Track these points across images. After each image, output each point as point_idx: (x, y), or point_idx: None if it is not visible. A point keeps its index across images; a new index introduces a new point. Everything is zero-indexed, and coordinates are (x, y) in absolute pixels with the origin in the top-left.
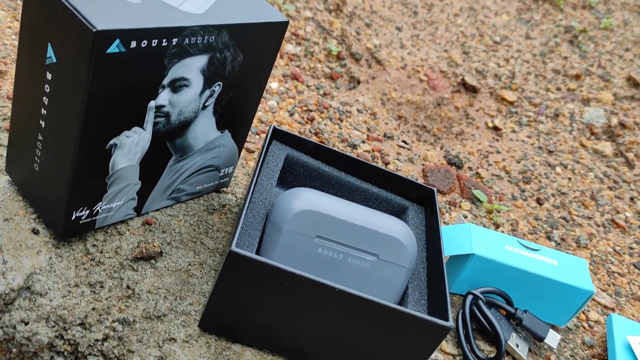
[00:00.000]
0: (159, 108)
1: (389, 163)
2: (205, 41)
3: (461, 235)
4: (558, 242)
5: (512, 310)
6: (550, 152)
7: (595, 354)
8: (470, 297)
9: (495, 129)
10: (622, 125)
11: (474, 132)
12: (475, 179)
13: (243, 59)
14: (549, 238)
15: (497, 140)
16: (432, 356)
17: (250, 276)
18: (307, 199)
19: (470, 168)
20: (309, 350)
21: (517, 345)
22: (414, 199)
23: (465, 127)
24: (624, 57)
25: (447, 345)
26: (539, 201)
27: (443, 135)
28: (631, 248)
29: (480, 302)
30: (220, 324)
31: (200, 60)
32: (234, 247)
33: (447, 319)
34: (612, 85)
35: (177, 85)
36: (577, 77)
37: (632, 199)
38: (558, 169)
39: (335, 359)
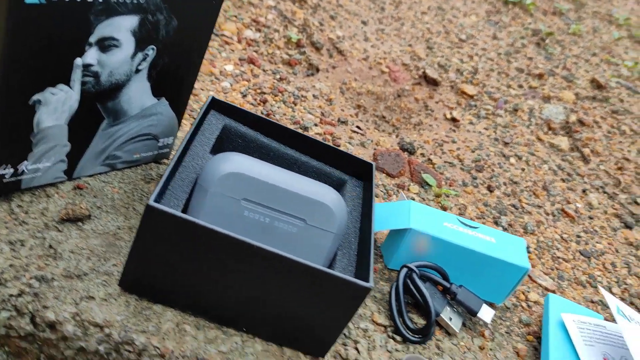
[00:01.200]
0: (86, 67)
1: (339, 146)
2: (135, 0)
3: (400, 211)
4: (505, 228)
5: (447, 285)
6: (505, 144)
7: (531, 332)
8: (404, 270)
9: (453, 120)
10: (581, 122)
11: (432, 122)
12: (426, 165)
13: (178, 25)
14: (496, 223)
15: (454, 131)
16: (363, 326)
17: (169, 233)
18: (236, 162)
19: (422, 154)
20: (231, 311)
21: (451, 319)
22: (353, 173)
23: (424, 118)
24: (590, 61)
25: (379, 316)
26: (489, 188)
27: (402, 125)
28: (579, 236)
29: (414, 275)
30: (141, 283)
31: (131, 21)
32: (151, 202)
33: (367, 280)
34: (575, 86)
35: (105, 45)
36: (540, 76)
37: (584, 191)
38: (512, 160)
39: (257, 321)
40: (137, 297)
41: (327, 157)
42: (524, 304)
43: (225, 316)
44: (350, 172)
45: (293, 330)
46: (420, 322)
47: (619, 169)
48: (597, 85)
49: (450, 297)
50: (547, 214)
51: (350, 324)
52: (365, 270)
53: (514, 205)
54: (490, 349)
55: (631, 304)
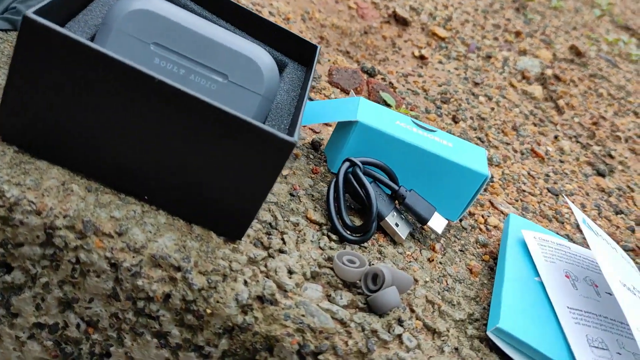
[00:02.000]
0: None
1: None
2: None
3: (348, 106)
4: None
5: (395, 187)
6: (476, 84)
7: (488, 252)
8: (346, 164)
9: (422, 58)
10: (557, 77)
11: (398, 59)
12: (386, 86)
13: None
14: None
15: (422, 67)
16: (294, 219)
17: (53, 60)
18: (150, 0)
19: (384, 79)
20: (130, 176)
21: (397, 225)
22: (296, 57)
23: (390, 55)
24: (570, 33)
25: (315, 214)
26: (454, 119)
27: (366, 62)
28: (547, 175)
29: (358, 170)
30: (21, 131)
31: None
32: (30, 13)
33: (291, 135)
34: (554, 49)
35: None
36: (517, 34)
37: (556, 137)
38: (482, 99)
39: (161, 190)
40: (17, 148)
41: (267, 35)
42: (482, 227)
43: (123, 181)
44: (293, 55)
45: (203, 203)
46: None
47: (594, 124)
48: (576, 52)
49: (398, 201)
50: (515, 151)
51: (278, 215)
52: (292, 127)
53: (479, 138)
54: (440, 263)
55: None
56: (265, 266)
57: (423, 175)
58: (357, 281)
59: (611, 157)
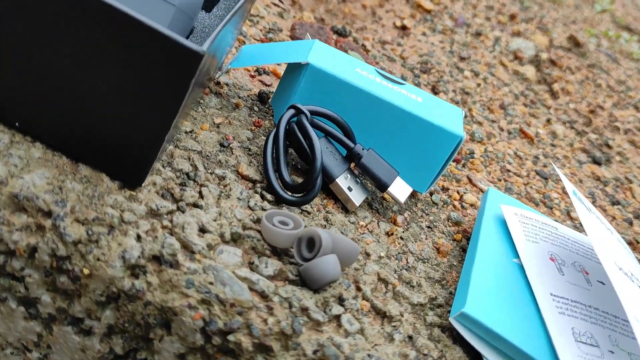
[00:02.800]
0: None
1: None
2: None
3: (301, 48)
4: None
5: (350, 144)
6: (462, 59)
7: (461, 231)
8: (290, 112)
9: (403, 28)
10: (553, 62)
11: (377, 28)
12: (358, 48)
13: None
14: None
15: (402, 38)
16: (220, 172)
17: None
18: None
19: (355, 41)
20: None
21: (350, 190)
22: None
23: (369, 24)
24: (569, 26)
25: (249, 169)
26: (434, 89)
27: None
28: (536, 157)
29: (304, 119)
30: None
31: None
32: None
33: (200, 45)
34: (551, 37)
35: None
36: (512, 17)
37: (548, 120)
38: (467, 73)
39: (42, 107)
40: None
41: None
42: (456, 204)
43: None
44: None
45: (92, 136)
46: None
47: (591, 112)
48: (574, 42)
49: (354, 162)
50: (502, 129)
51: (199, 165)
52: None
53: None
54: (401, 238)
55: None
56: (171, 221)
57: (386, 133)
58: (290, 248)
59: (609, 146)
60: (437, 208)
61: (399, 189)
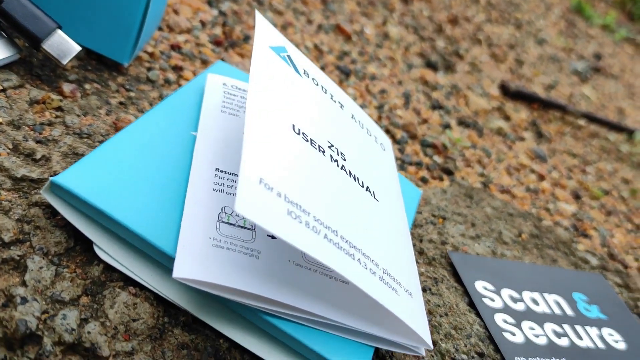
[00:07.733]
0: None
1: None
2: None
3: None
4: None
5: None
6: None
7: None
8: None
9: None
10: None
11: None
12: None
13: None
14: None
15: None
16: None
17: None
18: None
19: None
20: None
21: None
22: None
23: None
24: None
25: None
26: None
27: None
28: (345, 53)
29: None
30: None
31: None
32: None
33: None
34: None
35: None
36: None
37: (384, 22)
38: None
39: None
40: None
41: None
42: (183, 82)
43: None
44: None
45: None
46: None
47: (451, 22)
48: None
49: None
50: (310, 22)
51: None
52: None
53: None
54: (60, 109)
55: (387, 131)
56: None
57: None
58: None
59: (459, 55)
60: (151, 85)
61: (59, 46)
